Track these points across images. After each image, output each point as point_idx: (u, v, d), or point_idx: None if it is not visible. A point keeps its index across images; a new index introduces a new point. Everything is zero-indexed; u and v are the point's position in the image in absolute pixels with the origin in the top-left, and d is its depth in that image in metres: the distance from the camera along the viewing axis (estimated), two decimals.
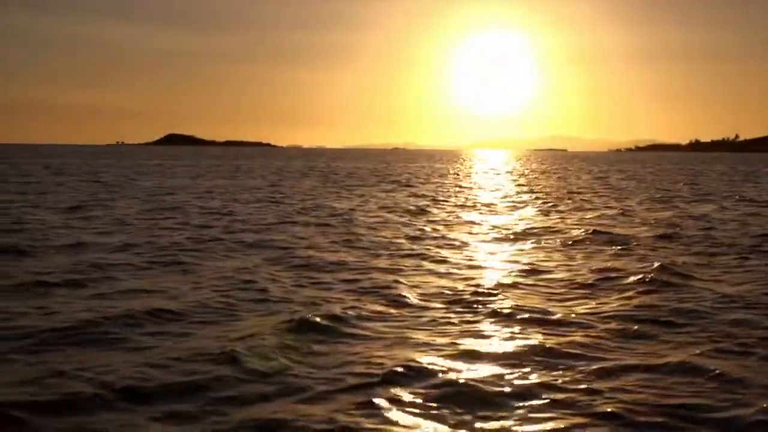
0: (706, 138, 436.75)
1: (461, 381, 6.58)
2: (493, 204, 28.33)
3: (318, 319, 8.58)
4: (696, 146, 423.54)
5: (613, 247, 15.55)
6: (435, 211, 24.78)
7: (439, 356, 7.31)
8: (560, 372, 6.91)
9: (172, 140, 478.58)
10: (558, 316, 9.22)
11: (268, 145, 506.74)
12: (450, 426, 5.63)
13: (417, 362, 7.04)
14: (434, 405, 6.03)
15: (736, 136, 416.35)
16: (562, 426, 5.63)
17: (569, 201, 30.26)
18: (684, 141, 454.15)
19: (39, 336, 7.79)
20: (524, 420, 5.76)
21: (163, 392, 6.15)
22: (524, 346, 7.74)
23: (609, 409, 5.94)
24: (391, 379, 6.58)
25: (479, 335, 8.22)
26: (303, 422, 5.56)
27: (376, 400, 6.05)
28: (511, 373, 6.84)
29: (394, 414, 5.83)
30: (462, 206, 27.21)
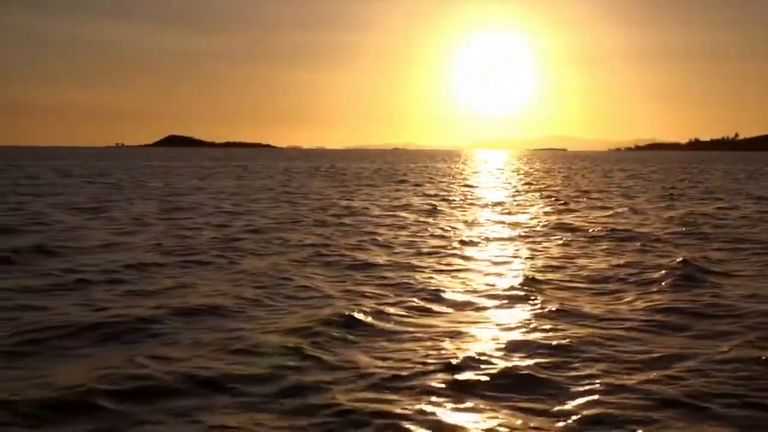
0: (705, 137, 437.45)
1: (515, 370, 6.79)
2: (504, 203, 28.52)
3: (364, 315, 8.82)
4: (695, 145, 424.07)
5: (634, 244, 15.78)
6: (450, 210, 25.00)
7: (487, 348, 7.53)
8: (609, 362, 7.12)
9: (172, 142, 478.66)
10: (596, 309, 9.44)
11: (268, 146, 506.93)
12: (509, 411, 5.83)
13: (467, 354, 7.26)
14: (490, 394, 6.25)
15: (736, 135, 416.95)
16: (624, 412, 5.84)
17: (580, 200, 30.46)
18: (684, 140, 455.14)
19: (100, 330, 8.01)
20: (582, 406, 5.96)
21: (234, 381, 6.38)
22: (568, 337, 7.94)
23: (665, 396, 6.16)
24: (446, 369, 6.81)
25: (523, 328, 8.43)
26: (372, 410, 5.77)
27: (435, 389, 6.28)
28: (561, 363, 7.06)
29: (455, 401, 6.05)
30: (475, 205, 27.41)
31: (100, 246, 15.17)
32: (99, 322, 8.38)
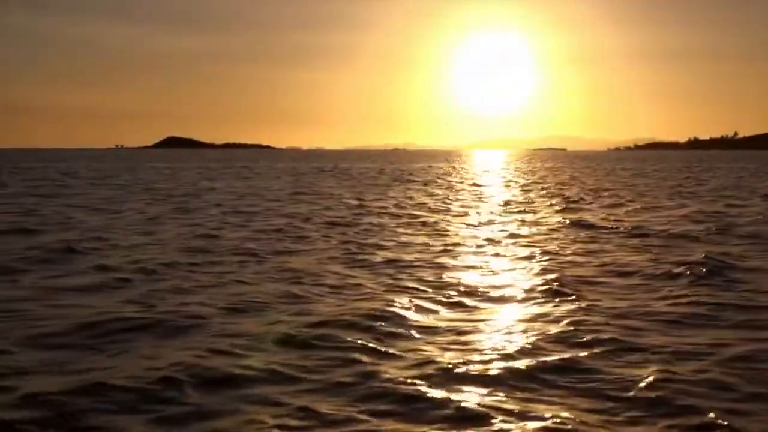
0: (704, 136, 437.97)
1: (569, 361, 7.04)
2: (518, 202, 28.75)
3: (408, 310, 9.11)
4: (694, 144, 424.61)
5: (658, 240, 16.07)
6: (464, 209, 25.22)
7: (535, 340, 7.77)
8: (655, 352, 7.39)
9: (172, 143, 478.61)
10: (629, 302, 9.72)
11: (267, 146, 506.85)
12: (572, 398, 6.07)
13: (518, 345, 7.53)
14: (552, 381, 6.49)
15: (735, 134, 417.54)
16: (682, 397, 6.08)
17: (592, 198, 30.67)
18: (683, 139, 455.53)
19: (155, 325, 8.25)
20: (642, 391, 6.19)
21: (301, 371, 6.65)
22: (609, 328, 8.19)
23: (723, 383, 6.42)
24: (503, 359, 7.06)
25: (566, 319, 8.67)
26: (442, 396, 6.01)
27: (498, 377, 6.54)
28: (609, 353, 7.31)
29: (517, 389, 6.30)
30: (490, 204, 27.64)
31: (130, 246, 15.38)
32: (151, 317, 8.62)
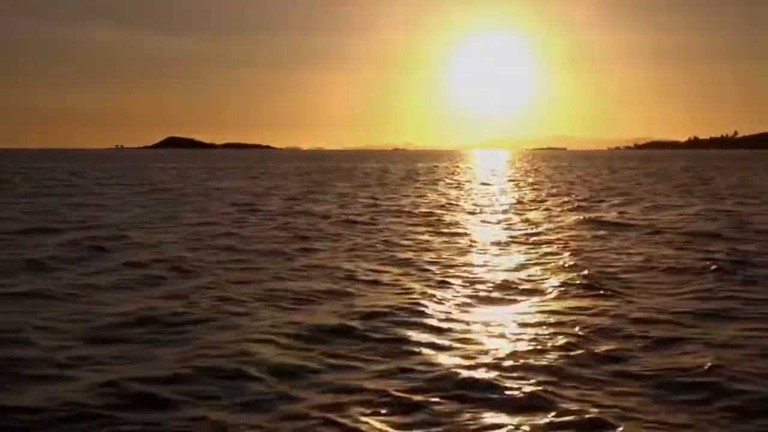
0: (704, 135, 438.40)
1: (617, 351, 7.28)
2: (535, 200, 28.94)
3: (453, 304, 9.34)
4: (694, 143, 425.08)
5: (677, 237, 16.29)
6: (478, 207, 25.42)
7: (584, 332, 8.00)
8: (707, 343, 7.61)
9: (172, 144, 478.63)
10: (667, 297, 9.97)
11: (268, 147, 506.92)
12: (629, 383, 6.29)
13: (570, 337, 7.76)
14: (602, 368, 6.70)
15: (735, 133, 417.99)
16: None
17: (605, 197, 30.83)
18: (682, 138, 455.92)
19: (213, 319, 8.58)
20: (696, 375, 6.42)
21: (363, 354, 6.90)
22: (649, 318, 8.43)
23: None
24: (555, 348, 7.31)
25: (610, 312, 8.91)
26: (504, 379, 6.23)
27: (552, 367, 6.77)
28: (658, 342, 7.54)
29: (570, 377, 6.52)
30: (507, 203, 27.82)
31: (155, 243, 15.56)
32: (199, 311, 8.89)
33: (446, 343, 7.56)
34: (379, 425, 5.41)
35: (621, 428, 5.41)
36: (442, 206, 25.72)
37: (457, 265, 12.66)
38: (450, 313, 8.92)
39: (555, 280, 11.05)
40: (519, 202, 28.08)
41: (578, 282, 10.79)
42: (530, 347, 7.39)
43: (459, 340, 7.65)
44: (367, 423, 5.43)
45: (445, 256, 13.70)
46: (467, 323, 8.42)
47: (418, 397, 5.95)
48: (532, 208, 25.05)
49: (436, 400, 5.89)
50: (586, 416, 5.62)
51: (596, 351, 7.25)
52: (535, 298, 9.88)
